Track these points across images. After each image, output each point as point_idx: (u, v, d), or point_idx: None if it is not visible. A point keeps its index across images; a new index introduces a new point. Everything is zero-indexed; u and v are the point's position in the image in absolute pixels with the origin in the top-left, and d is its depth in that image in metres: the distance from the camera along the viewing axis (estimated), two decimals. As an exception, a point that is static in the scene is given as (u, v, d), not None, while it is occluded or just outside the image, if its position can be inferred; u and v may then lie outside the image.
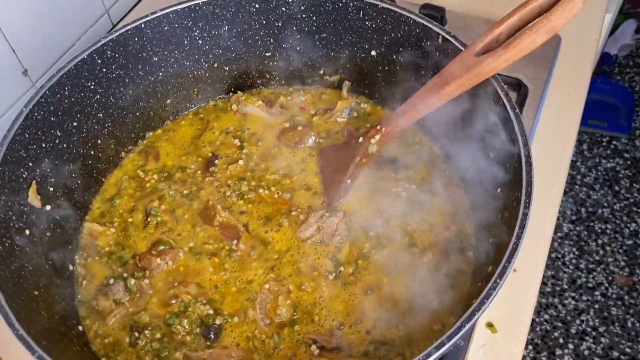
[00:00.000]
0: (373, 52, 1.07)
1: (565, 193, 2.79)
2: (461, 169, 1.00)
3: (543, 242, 1.13)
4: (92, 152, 1.04)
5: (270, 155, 1.07)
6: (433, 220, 0.97)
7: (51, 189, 0.95)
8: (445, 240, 0.95)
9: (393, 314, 0.89)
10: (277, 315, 0.89)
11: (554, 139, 1.27)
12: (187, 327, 0.89)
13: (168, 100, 1.13)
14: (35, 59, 1.19)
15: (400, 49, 1.03)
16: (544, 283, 2.46)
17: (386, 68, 1.08)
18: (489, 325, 1.03)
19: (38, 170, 0.93)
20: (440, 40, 0.96)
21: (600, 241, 2.56)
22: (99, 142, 1.05)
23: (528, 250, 1.11)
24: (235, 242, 0.96)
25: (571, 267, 2.51)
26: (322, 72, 1.15)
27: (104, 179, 1.07)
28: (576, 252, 2.54)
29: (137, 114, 1.10)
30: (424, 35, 0.98)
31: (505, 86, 0.88)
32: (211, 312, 0.90)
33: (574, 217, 2.64)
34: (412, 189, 1.01)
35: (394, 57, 1.05)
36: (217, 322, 0.89)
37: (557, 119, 1.31)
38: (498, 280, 0.72)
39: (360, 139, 0.98)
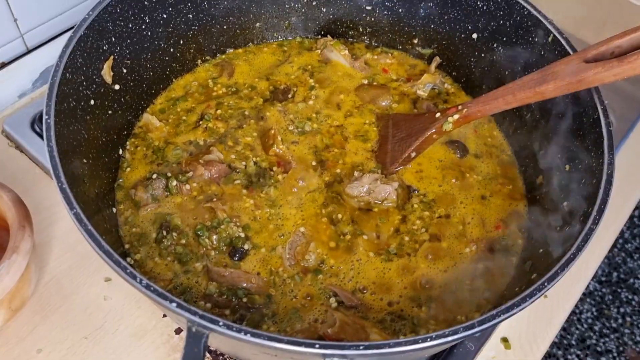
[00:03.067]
0: (474, 35, 1.04)
1: (601, 252, 2.71)
2: (530, 173, 0.96)
3: (582, 280, 1.09)
4: (172, 50, 1.03)
5: (341, 105, 1.05)
6: (487, 217, 0.94)
7: (124, 71, 0.95)
8: (493, 238, 0.91)
9: (421, 294, 0.86)
10: (304, 259, 0.87)
11: (623, 181, 1.23)
12: (214, 242, 0.88)
13: (258, 24, 1.11)
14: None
15: (504, 39, 0.99)
16: (552, 332, 2.39)
17: (482, 55, 1.04)
18: (504, 340, 1.00)
19: (118, 48, 0.92)
20: (550, 39, 0.92)
21: (622, 310, 2.47)
22: (181, 42, 1.04)
23: (565, 279, 1.07)
24: (284, 174, 0.95)
25: (585, 325, 2.44)
26: (416, 41, 1.12)
27: (174, 79, 1.06)
28: (595, 313, 2.47)
29: (225, 27, 1.08)
30: (534, 30, 0.94)
31: (606, 102, 0.84)
32: (242, 235, 0.88)
33: (603, 278, 2.56)
34: (474, 180, 0.98)
35: (495, 45, 1.01)
36: (245, 247, 0.88)
37: (629, 165, 1.26)
38: (536, 292, 0.68)
39: (438, 114, 0.95)
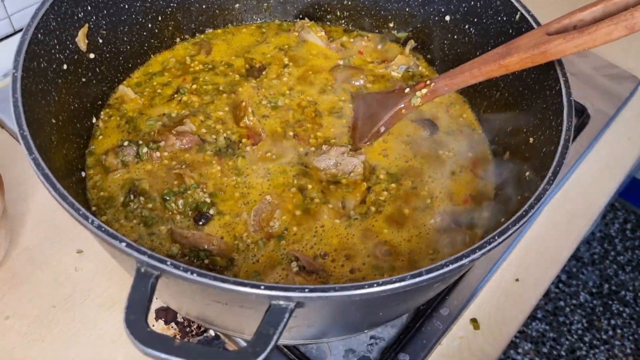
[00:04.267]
0: (447, 18, 1.06)
1: (593, 264, 2.70)
2: (498, 150, 0.97)
3: (555, 264, 1.09)
4: (150, 26, 1.05)
5: (314, 83, 1.06)
6: (455, 191, 0.94)
7: (100, 41, 0.97)
8: (460, 212, 0.92)
9: (383, 262, 0.86)
10: (268, 225, 0.88)
11: (599, 174, 1.24)
12: (180, 207, 0.88)
13: (237, 5, 1.14)
14: None
15: (475, 19, 1.01)
16: (542, 343, 2.38)
17: (455, 37, 1.06)
18: (473, 320, 1.00)
19: (94, 17, 0.94)
20: (517, 17, 0.93)
21: (613, 322, 2.45)
22: (159, 18, 1.06)
23: (537, 263, 1.08)
24: (254, 146, 0.96)
25: (575, 336, 2.41)
26: (391, 25, 1.14)
27: (152, 55, 1.08)
28: (585, 324, 2.44)
29: (204, 6, 1.11)
30: (503, 9, 0.95)
31: (569, 75, 0.85)
32: (208, 200, 0.89)
33: (594, 290, 2.55)
34: (443, 156, 0.98)
35: (467, 27, 1.03)
36: (211, 212, 0.89)
37: (609, 157, 1.27)
38: (486, 245, 0.67)
39: (407, 90, 0.96)
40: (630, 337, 2.41)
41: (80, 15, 0.91)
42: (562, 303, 2.51)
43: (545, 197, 0.72)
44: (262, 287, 0.60)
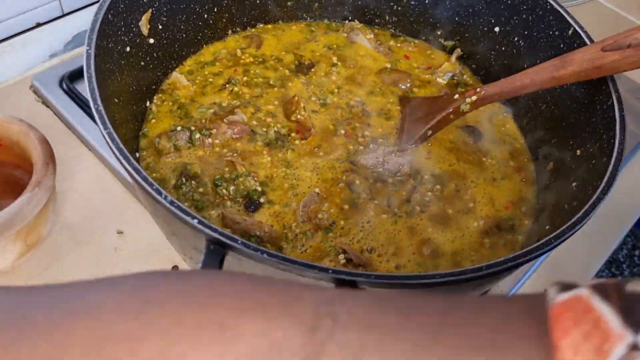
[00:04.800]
0: (497, 29, 1.08)
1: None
2: (541, 160, 0.99)
3: (585, 279, 1.11)
4: (205, 16, 1.07)
5: (362, 84, 1.08)
6: (496, 197, 0.96)
7: (160, 27, 0.99)
8: (501, 217, 0.94)
9: (427, 260, 0.88)
10: (317, 217, 0.89)
11: (626, 196, 1.26)
12: (231, 193, 0.90)
13: (289, 3, 1.16)
14: None
15: (525, 33, 1.03)
16: None
17: (503, 48, 1.08)
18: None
19: (157, 4, 0.96)
20: (570, 32, 0.96)
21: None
22: (215, 10, 1.08)
23: (569, 273, 1.09)
24: (303, 140, 0.98)
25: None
26: (439, 33, 1.16)
27: (204, 45, 1.10)
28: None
29: (258, 1, 1.13)
30: (556, 24, 0.98)
31: (620, 90, 0.87)
32: (259, 189, 0.91)
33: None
34: (488, 164, 1.00)
35: (516, 39, 1.05)
36: (261, 200, 0.90)
37: (633, 183, 1.29)
38: (553, 240, 0.69)
39: (456, 96, 0.99)
40: None
41: (145, 0, 0.93)
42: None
43: (599, 206, 0.74)
44: (330, 271, 0.62)
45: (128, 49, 0.91)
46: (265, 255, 0.62)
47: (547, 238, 0.70)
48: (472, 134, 1.04)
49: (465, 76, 1.13)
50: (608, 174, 0.77)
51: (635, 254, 2.76)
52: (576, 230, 0.72)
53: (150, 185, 0.66)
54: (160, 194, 0.66)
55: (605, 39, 0.87)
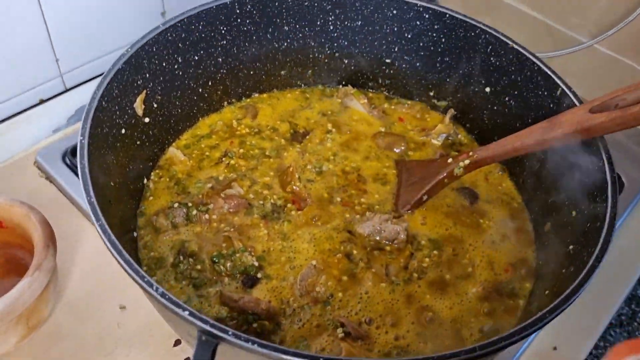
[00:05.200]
0: (487, 89, 1.09)
1: (621, 325, 2.64)
2: (538, 221, 0.99)
3: (594, 331, 1.09)
4: (200, 90, 1.10)
5: (358, 149, 1.10)
6: (496, 260, 0.96)
7: (155, 105, 1.01)
8: (501, 281, 0.93)
9: (427, 330, 0.87)
10: (314, 290, 0.89)
11: (634, 242, 1.24)
12: (229, 269, 0.91)
13: (283, 72, 1.18)
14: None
15: (515, 93, 1.04)
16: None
17: (495, 108, 1.09)
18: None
19: (151, 84, 0.99)
20: (558, 92, 0.96)
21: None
22: (210, 83, 1.11)
23: (575, 332, 1.07)
24: (299, 211, 0.98)
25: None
26: (431, 93, 1.18)
27: (200, 118, 1.13)
28: None
29: (251, 72, 1.15)
30: (544, 84, 0.99)
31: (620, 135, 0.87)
32: (256, 264, 0.91)
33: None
34: (484, 225, 1.00)
35: (507, 99, 1.06)
36: (258, 275, 0.91)
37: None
38: (547, 315, 0.69)
39: (450, 160, 0.99)
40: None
41: (139, 82, 0.96)
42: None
43: (594, 275, 0.73)
44: (321, 359, 0.62)
45: (123, 131, 0.94)
46: (256, 345, 0.62)
47: (542, 312, 0.69)
48: (468, 196, 1.04)
49: (460, 136, 1.14)
50: (601, 240, 0.76)
51: (654, 290, 2.70)
52: (572, 301, 0.71)
53: (142, 277, 0.67)
54: (151, 286, 0.66)
55: (593, 100, 0.88)
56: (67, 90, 1.35)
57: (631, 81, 0.88)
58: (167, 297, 0.65)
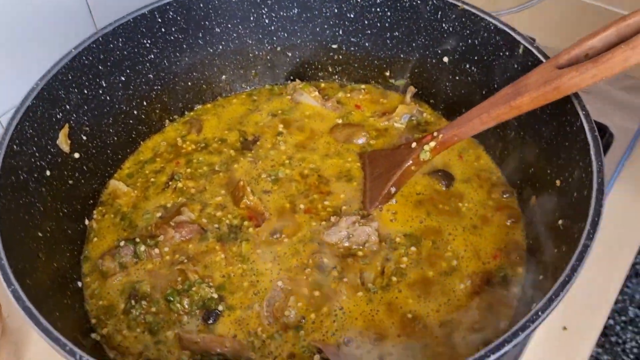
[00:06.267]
0: (445, 59, 0.99)
1: (637, 275, 2.57)
2: (523, 197, 0.89)
3: (604, 304, 0.99)
4: (135, 112, 1.00)
5: (315, 148, 1.00)
6: (482, 247, 0.86)
7: (84, 138, 0.92)
8: (490, 270, 0.83)
9: (415, 341, 0.78)
10: (284, 315, 0.80)
11: (634, 196, 1.14)
12: (186, 306, 0.81)
13: (224, 77, 1.09)
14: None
15: (475, 58, 0.94)
16: (598, 368, 2.24)
17: (456, 78, 0.99)
18: (526, 382, 0.90)
19: (74, 116, 0.89)
20: (521, 50, 0.86)
21: (669, 335, 2.30)
22: (144, 104, 1.01)
23: (584, 308, 0.98)
24: (257, 227, 0.89)
25: (632, 356, 2.26)
26: (387, 73, 1.07)
27: (141, 142, 1.03)
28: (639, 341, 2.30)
29: (189, 83, 1.05)
30: (504, 45, 0.89)
31: (588, 106, 0.77)
32: (215, 296, 0.82)
33: (643, 303, 2.41)
34: (464, 210, 0.90)
35: (467, 66, 0.96)
36: (220, 308, 0.81)
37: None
38: (529, 324, 0.60)
39: (414, 144, 0.89)
40: (691, 350, 2.26)
41: (58, 116, 0.87)
42: (611, 321, 2.37)
43: (588, 254, 0.64)
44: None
45: (48, 172, 0.84)
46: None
47: (537, 307, 0.59)
48: (443, 178, 0.94)
49: (425, 114, 1.04)
50: (591, 213, 0.66)
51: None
52: (569, 287, 0.62)
53: (63, 346, 0.58)
54: (74, 355, 0.57)
55: (559, 54, 0.78)
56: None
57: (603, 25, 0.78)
58: (91, 365, 0.56)
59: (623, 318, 2.35)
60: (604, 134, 1.21)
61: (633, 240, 1.07)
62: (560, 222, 0.76)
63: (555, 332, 0.95)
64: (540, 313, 0.59)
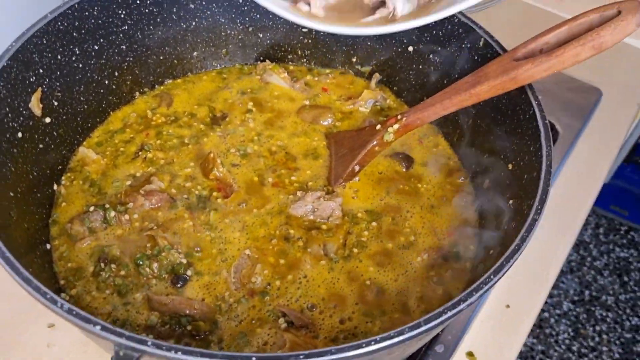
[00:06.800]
0: (410, 48, 1.04)
1: (571, 272, 2.72)
2: (477, 180, 0.96)
3: (544, 284, 1.07)
4: (107, 82, 1.01)
5: (283, 126, 1.04)
6: (438, 225, 0.92)
7: (55, 103, 0.92)
8: (445, 246, 0.89)
9: (374, 308, 0.83)
10: (250, 282, 0.84)
11: (575, 188, 1.23)
12: (155, 270, 0.84)
13: (195, 53, 1.11)
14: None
15: (439, 48, 1.00)
16: (532, 357, 2.36)
17: (420, 67, 1.05)
18: (470, 354, 0.97)
19: (47, 80, 0.90)
20: (481, 43, 0.93)
21: (598, 328, 2.45)
22: (116, 74, 1.02)
23: (526, 288, 1.05)
24: (226, 198, 0.92)
25: (563, 346, 2.40)
26: (354, 59, 1.12)
27: (111, 112, 1.04)
28: (571, 333, 2.44)
29: (161, 57, 1.07)
30: (466, 37, 0.95)
31: (540, 97, 0.84)
32: (184, 261, 0.85)
33: (576, 298, 2.55)
34: (422, 190, 0.96)
35: (431, 56, 1.02)
36: (188, 273, 0.84)
37: (582, 169, 1.27)
38: (482, 286, 0.65)
39: (378, 126, 0.94)
40: (617, 342, 2.41)
41: (32, 79, 0.87)
42: (546, 314, 2.50)
43: (536, 228, 0.70)
44: (254, 358, 0.56)
45: (20, 134, 0.84)
46: (179, 353, 0.56)
47: (486, 276, 0.65)
48: (403, 160, 0.99)
49: (388, 100, 1.09)
50: (540, 191, 0.73)
51: (600, 232, 2.77)
52: (516, 259, 0.68)
53: (44, 294, 0.60)
54: (55, 302, 0.59)
55: (517, 47, 0.84)
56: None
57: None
58: (74, 312, 0.58)
59: (557, 311, 2.50)
60: (552, 130, 1.30)
61: (571, 230, 1.16)
62: (510, 202, 0.83)
63: (499, 310, 1.03)
64: (492, 277, 0.65)
